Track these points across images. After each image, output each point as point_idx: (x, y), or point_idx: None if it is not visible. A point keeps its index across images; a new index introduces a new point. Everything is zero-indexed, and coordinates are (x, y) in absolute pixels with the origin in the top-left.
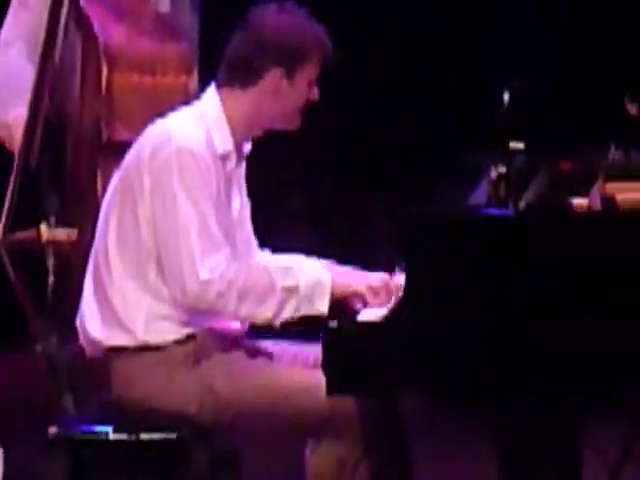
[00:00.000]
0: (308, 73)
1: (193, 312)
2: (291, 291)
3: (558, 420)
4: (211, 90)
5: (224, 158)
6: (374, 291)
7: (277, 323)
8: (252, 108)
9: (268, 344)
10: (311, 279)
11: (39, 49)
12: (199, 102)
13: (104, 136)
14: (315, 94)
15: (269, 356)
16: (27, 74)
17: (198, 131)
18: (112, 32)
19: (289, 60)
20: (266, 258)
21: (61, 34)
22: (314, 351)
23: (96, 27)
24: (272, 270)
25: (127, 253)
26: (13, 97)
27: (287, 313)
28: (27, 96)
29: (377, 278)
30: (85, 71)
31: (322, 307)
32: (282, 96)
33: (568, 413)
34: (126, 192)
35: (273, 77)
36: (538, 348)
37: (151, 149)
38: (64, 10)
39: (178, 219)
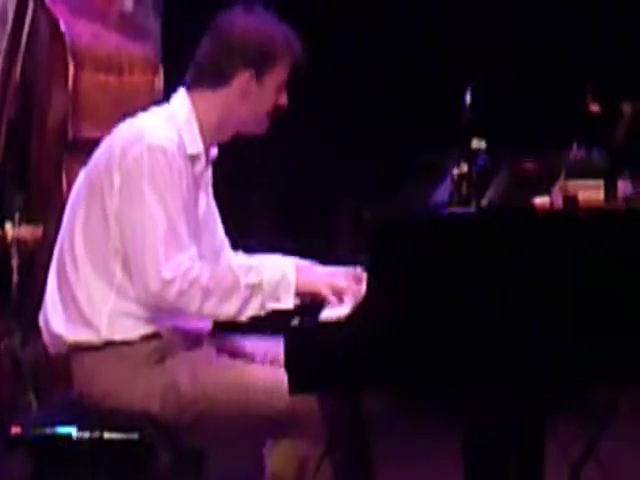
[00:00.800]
0: (277, 76)
1: (157, 311)
2: (255, 287)
3: (522, 416)
4: (181, 92)
5: (194, 159)
6: (337, 292)
7: (242, 319)
8: (222, 110)
9: (243, 341)
10: (275, 275)
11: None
12: (169, 104)
13: (70, 134)
14: (284, 99)
15: (241, 353)
16: None
17: (170, 131)
18: (79, 31)
19: (258, 63)
20: (239, 259)
21: (26, 33)
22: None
23: (63, 26)
24: (236, 268)
25: (94, 249)
26: None
27: (252, 309)
28: None
29: (343, 278)
30: (52, 69)
31: (287, 302)
32: (251, 99)
33: (533, 409)
34: (95, 189)
35: (242, 79)
36: (500, 345)
37: (122, 146)
38: (29, 10)
39: (145, 216)
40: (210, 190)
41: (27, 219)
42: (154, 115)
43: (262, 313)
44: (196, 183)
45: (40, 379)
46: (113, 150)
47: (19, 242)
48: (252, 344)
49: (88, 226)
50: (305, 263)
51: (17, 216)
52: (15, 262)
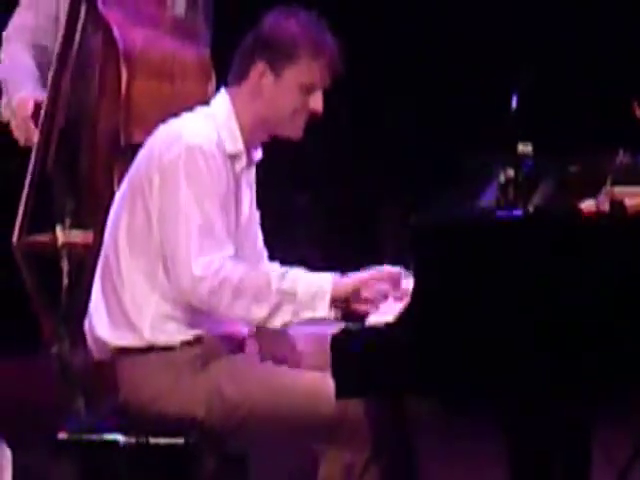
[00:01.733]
0: (298, 75)
1: (192, 310)
2: (287, 294)
3: (569, 421)
4: (222, 92)
5: (233, 158)
6: (378, 278)
7: (275, 325)
8: (251, 105)
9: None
10: (310, 283)
11: (38, 46)
12: (210, 105)
13: (122, 140)
14: (316, 104)
15: (290, 351)
16: (29, 64)
17: (208, 129)
18: (132, 37)
19: (273, 55)
20: (274, 269)
21: (78, 40)
22: (312, 330)
23: (116, 32)
24: (270, 273)
25: (138, 251)
26: (18, 84)
27: (285, 316)
28: (30, 82)
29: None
30: (104, 76)
31: (322, 311)
32: (268, 94)
33: (579, 413)
34: (136, 191)
35: (258, 70)
36: (547, 349)
37: (160, 148)
38: (81, 16)
39: (180, 214)
40: (254, 194)
41: (77, 224)
42: (193, 115)
43: (295, 321)
44: (237, 183)
45: (89, 384)
46: (152, 152)
47: (69, 247)
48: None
49: (131, 228)
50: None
51: (67, 221)
52: (65, 266)
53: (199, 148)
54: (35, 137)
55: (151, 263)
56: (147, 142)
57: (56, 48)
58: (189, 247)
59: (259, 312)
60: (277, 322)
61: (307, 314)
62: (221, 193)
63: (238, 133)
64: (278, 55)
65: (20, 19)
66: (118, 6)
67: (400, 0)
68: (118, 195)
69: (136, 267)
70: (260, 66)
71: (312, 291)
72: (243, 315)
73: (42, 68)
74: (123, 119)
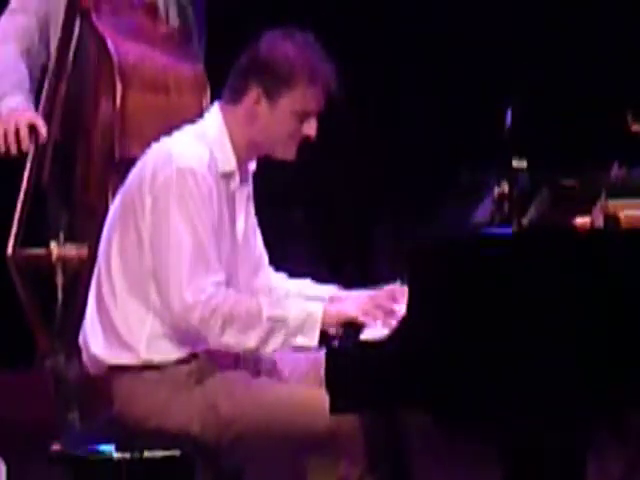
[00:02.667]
0: (293, 103)
1: (184, 333)
2: (278, 322)
3: (563, 437)
4: (214, 107)
5: (227, 177)
6: (368, 314)
7: (265, 352)
8: (243, 127)
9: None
10: (301, 311)
11: (31, 50)
12: (203, 120)
13: (117, 154)
14: (310, 129)
15: (272, 367)
16: (21, 69)
17: (200, 150)
18: (126, 50)
19: (269, 81)
20: (277, 282)
21: (72, 51)
22: (307, 357)
23: (110, 45)
24: (262, 300)
25: (130, 271)
26: (9, 88)
27: (274, 344)
28: (20, 92)
29: (368, 298)
30: (98, 89)
31: (312, 340)
32: (262, 119)
33: (574, 429)
34: (128, 212)
35: (252, 96)
36: (540, 365)
37: (152, 169)
38: (76, 29)
39: (171, 239)
40: (251, 207)
41: (72, 238)
42: (185, 134)
43: (284, 348)
44: (232, 201)
45: (84, 397)
46: (145, 172)
47: (64, 261)
48: (282, 359)
49: (123, 248)
50: (345, 294)
51: (62, 235)
52: (60, 281)
53: (189, 170)
54: (24, 146)
55: (143, 283)
56: (139, 161)
57: (51, 61)
58: (180, 273)
59: (249, 341)
60: (267, 350)
61: (297, 341)
62: (214, 216)
63: (231, 152)
64: (274, 82)
65: (10, 21)
66: (112, 19)
67: (394, 19)
68: (110, 212)
69: (128, 287)
70: (255, 91)
71: (303, 319)
72: (233, 344)
73: (33, 72)
74: (118, 132)
